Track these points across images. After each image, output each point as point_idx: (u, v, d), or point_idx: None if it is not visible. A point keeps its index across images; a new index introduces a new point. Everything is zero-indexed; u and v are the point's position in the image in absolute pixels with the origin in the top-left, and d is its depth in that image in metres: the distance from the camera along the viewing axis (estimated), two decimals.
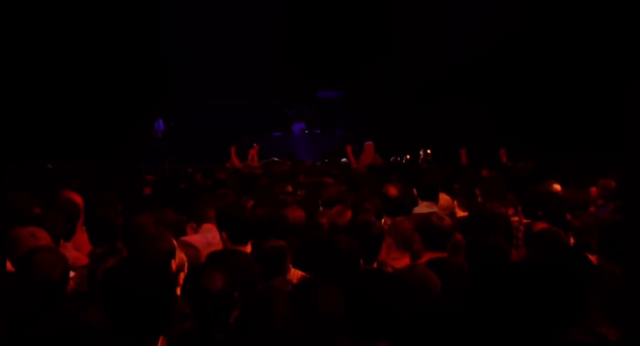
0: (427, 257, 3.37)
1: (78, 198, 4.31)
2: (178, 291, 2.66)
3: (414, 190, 4.75)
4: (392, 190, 4.76)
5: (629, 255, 2.63)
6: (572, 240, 3.91)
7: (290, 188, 5.69)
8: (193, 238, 3.87)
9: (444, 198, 4.82)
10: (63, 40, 14.13)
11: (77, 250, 3.72)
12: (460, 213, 4.76)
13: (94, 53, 14.65)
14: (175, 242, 3.02)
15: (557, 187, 5.54)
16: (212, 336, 2.49)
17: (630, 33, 9.98)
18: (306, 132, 16.44)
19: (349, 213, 4.24)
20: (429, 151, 11.87)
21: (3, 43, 11.15)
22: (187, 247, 3.25)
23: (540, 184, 5.91)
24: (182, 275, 2.92)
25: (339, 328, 2.28)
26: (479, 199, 4.84)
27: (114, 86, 15.31)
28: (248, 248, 3.51)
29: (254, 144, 10.74)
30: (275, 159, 12.47)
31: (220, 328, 2.49)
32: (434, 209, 4.35)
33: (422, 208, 4.46)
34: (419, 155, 11.83)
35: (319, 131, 16.49)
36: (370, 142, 10.13)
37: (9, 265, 3.08)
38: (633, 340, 2.15)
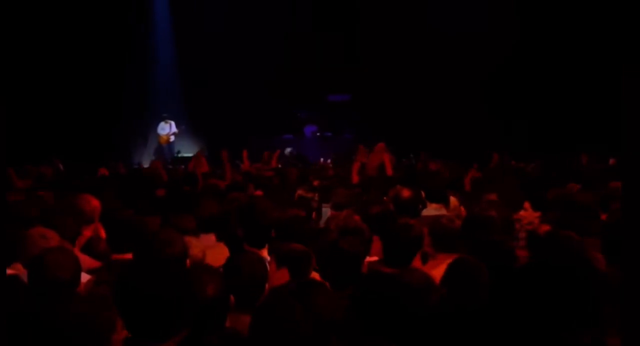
0: (439, 258, 3.37)
1: (95, 202, 4.31)
2: None
3: (422, 192, 4.75)
4: (405, 193, 4.76)
5: (628, 256, 2.60)
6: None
7: (303, 192, 5.68)
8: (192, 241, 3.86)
9: (453, 201, 4.81)
10: (64, 42, 14.24)
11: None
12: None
13: (100, 54, 14.75)
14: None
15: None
16: (205, 339, 2.49)
17: (629, 34, 9.98)
18: (317, 134, 16.48)
19: (356, 217, 4.23)
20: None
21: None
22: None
23: (561, 187, 5.90)
24: None
25: (335, 328, 2.28)
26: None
27: (122, 88, 15.44)
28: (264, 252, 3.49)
29: (277, 149, 10.76)
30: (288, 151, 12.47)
31: (214, 332, 2.49)
32: (443, 211, 4.35)
33: (431, 210, 4.46)
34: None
35: (330, 134, 16.53)
36: (382, 144, 10.08)
37: (20, 266, 3.12)
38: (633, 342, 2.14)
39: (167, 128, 15.95)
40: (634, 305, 2.17)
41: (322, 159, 14.12)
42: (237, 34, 16.26)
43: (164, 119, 16.00)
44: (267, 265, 3.26)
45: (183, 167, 11.83)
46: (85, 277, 3.00)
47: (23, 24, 13.42)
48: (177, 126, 16.07)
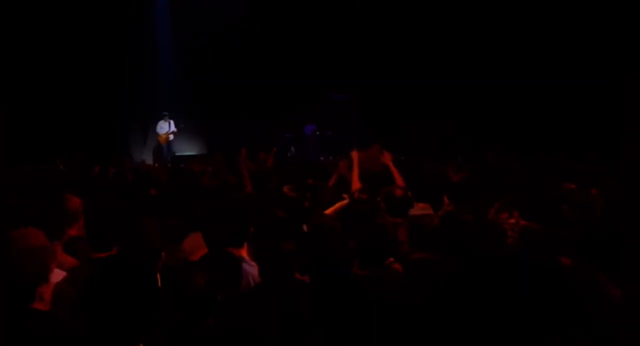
0: (416, 256, 3.36)
1: (77, 201, 4.31)
2: None
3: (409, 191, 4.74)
4: (398, 191, 4.77)
5: (627, 260, 2.59)
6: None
7: (287, 191, 5.67)
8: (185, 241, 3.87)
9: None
10: (64, 41, 14.26)
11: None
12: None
13: (99, 53, 14.78)
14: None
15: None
16: (191, 335, 2.50)
17: (629, 34, 9.95)
18: (317, 133, 16.48)
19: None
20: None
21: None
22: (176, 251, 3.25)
23: (557, 187, 5.88)
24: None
25: (311, 327, 2.28)
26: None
27: (122, 87, 15.47)
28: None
29: (273, 148, 10.77)
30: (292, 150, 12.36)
31: (199, 328, 2.50)
32: (429, 211, 4.33)
33: (417, 209, 4.45)
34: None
35: (330, 132, 16.53)
36: (377, 145, 10.04)
37: None
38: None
39: (166, 127, 15.97)
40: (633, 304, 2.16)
41: (322, 158, 14.14)
42: (237, 33, 16.30)
43: (163, 118, 16.03)
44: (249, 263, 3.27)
45: (182, 165, 11.86)
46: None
47: (23, 23, 13.46)
48: (176, 125, 16.09)
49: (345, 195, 5.18)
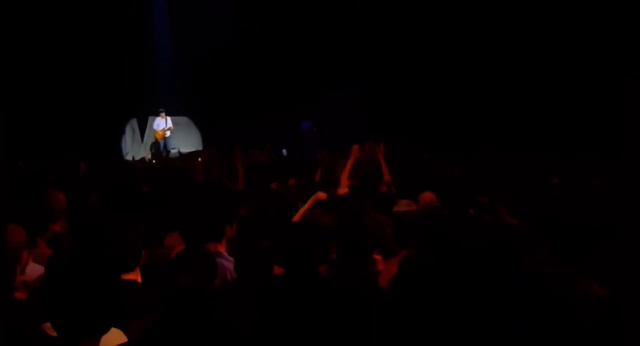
0: (401, 253, 3.34)
1: (61, 197, 4.30)
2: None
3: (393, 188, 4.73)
4: (383, 187, 4.77)
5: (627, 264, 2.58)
6: None
7: (275, 187, 5.67)
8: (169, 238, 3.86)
9: (429, 196, 4.78)
10: (62, 39, 14.27)
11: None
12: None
13: (97, 50, 14.79)
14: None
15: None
16: (178, 331, 2.48)
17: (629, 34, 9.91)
18: (314, 129, 16.45)
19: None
20: None
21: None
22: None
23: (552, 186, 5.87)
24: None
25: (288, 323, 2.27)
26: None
27: (124, 88, 15.48)
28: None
29: (267, 144, 10.77)
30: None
31: (188, 325, 2.48)
32: (412, 207, 4.31)
33: (401, 206, 4.43)
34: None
35: (328, 129, 16.52)
36: (371, 142, 10.02)
37: None
38: None
39: (162, 124, 16.00)
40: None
41: (319, 156, 14.11)
42: (237, 33, 16.31)
43: (159, 114, 16.06)
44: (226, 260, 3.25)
45: (177, 162, 11.86)
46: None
47: (23, 23, 13.49)
48: (172, 121, 16.14)
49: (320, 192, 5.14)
